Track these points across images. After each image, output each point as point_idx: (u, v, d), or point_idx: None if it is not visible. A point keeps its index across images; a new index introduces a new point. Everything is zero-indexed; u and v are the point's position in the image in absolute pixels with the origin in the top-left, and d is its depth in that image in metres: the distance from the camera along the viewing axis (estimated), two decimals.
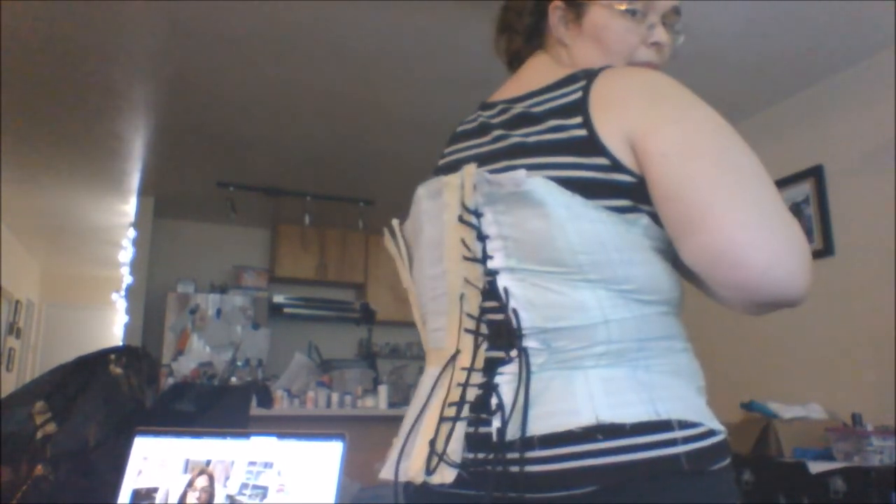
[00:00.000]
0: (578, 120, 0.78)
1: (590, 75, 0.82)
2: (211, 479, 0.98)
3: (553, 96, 0.84)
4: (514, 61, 1.02)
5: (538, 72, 0.92)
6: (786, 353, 3.24)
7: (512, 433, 0.72)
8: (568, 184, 0.76)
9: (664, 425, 0.71)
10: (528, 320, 0.76)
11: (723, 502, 0.73)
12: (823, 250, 3.08)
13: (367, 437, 3.64)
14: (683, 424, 0.72)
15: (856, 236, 2.97)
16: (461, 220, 0.83)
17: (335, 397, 3.95)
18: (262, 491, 0.96)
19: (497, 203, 0.79)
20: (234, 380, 4.56)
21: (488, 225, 0.80)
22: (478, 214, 0.81)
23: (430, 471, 0.77)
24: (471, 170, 0.83)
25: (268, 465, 0.98)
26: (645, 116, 0.76)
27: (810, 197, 3.19)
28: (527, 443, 0.72)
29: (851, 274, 2.95)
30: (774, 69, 3.11)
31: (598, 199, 0.75)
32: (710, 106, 0.78)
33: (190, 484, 0.98)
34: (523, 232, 0.77)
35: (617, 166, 0.75)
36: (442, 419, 0.79)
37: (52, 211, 5.70)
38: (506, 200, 0.78)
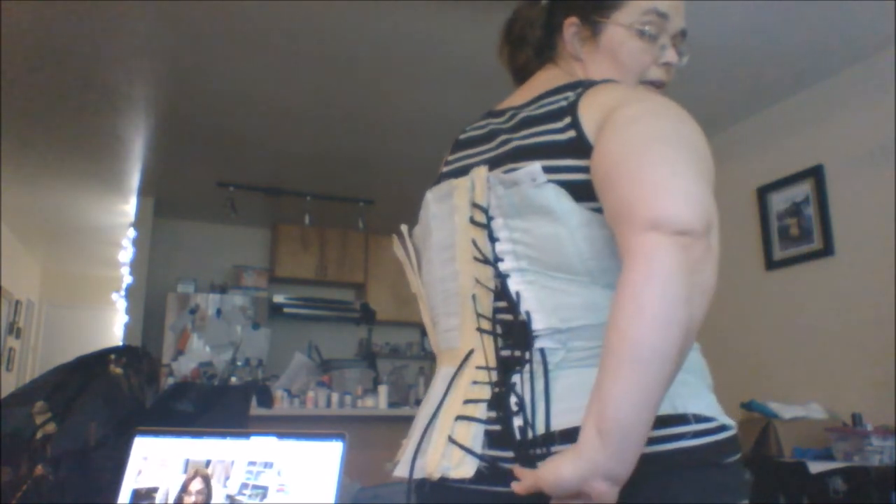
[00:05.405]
0: (568, 121, 0.81)
1: (589, 83, 0.84)
2: (206, 481, 0.98)
3: (552, 100, 0.86)
4: (521, 74, 1.03)
5: (549, 82, 0.94)
6: (786, 353, 3.24)
7: (533, 429, 0.74)
8: (564, 187, 0.77)
9: (681, 419, 0.73)
10: (541, 321, 0.77)
11: (736, 494, 0.76)
12: (823, 250, 3.08)
13: (367, 437, 3.65)
14: (699, 418, 0.74)
15: (856, 236, 2.97)
16: (472, 221, 0.84)
17: (335, 397, 3.95)
18: (262, 491, 0.95)
19: (508, 207, 0.81)
20: (234, 380, 4.56)
21: (499, 228, 0.82)
22: (489, 217, 0.83)
23: (450, 466, 0.78)
24: (481, 171, 0.85)
25: (268, 465, 0.98)
26: (618, 100, 0.78)
27: (810, 197, 3.19)
28: (548, 438, 0.73)
29: (851, 274, 2.95)
30: (774, 69, 3.11)
31: (591, 202, 0.76)
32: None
33: (184, 489, 0.98)
34: (533, 237, 0.79)
35: None
36: (460, 417, 0.81)
37: (52, 211, 5.70)
38: (516, 205, 0.80)
